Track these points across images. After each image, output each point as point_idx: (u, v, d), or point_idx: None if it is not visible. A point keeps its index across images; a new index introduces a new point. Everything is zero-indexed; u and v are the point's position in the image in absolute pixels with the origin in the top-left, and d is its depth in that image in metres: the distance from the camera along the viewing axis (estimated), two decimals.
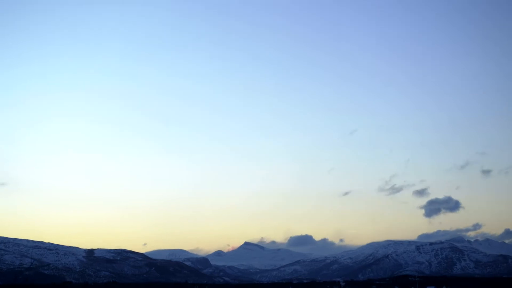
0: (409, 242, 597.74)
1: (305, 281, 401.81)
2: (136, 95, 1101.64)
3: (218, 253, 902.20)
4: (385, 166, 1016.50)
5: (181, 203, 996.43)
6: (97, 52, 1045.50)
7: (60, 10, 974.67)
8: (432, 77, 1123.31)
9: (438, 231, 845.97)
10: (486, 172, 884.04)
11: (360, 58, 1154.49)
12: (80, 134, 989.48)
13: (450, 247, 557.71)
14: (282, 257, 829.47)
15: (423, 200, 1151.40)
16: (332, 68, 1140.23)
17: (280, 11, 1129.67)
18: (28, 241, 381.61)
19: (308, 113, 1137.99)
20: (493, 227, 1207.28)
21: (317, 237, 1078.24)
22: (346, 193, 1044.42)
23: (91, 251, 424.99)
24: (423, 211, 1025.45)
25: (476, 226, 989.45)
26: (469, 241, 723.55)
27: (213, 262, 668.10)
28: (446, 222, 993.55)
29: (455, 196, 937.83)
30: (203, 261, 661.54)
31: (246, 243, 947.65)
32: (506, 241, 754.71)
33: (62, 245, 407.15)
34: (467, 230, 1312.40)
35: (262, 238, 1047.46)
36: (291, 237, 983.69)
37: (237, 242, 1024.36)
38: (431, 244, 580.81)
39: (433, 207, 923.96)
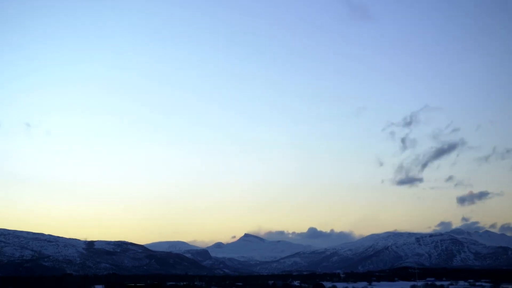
0: (409, 234, 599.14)
1: (305, 273, 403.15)
2: (137, 89, 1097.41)
3: (218, 245, 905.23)
4: None
5: (181, 195, 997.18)
6: (95, 45, 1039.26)
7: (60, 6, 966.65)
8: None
9: None
10: None
11: (360, 53, 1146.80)
12: (80, 127, 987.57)
13: (450, 239, 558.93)
14: (282, 249, 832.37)
15: None
16: (332, 60, 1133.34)
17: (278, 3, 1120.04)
18: (28, 233, 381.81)
19: (308, 105, 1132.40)
20: None
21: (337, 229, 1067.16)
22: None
23: (91, 243, 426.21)
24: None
25: None
26: (468, 233, 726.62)
27: (213, 254, 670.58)
28: None
29: None
30: (203, 253, 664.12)
31: (246, 235, 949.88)
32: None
33: (62, 237, 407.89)
34: None
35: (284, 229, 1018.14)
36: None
37: (237, 234, 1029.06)
38: (431, 236, 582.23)
39: None
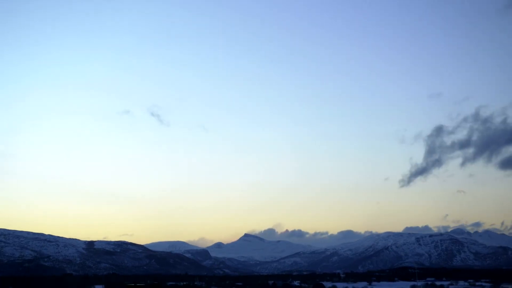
0: (409, 234, 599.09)
1: (305, 273, 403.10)
2: (137, 89, 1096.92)
3: (218, 245, 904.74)
4: None
5: (181, 195, 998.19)
6: (95, 45, 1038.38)
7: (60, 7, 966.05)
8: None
9: None
10: None
11: (358, 52, 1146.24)
12: (79, 127, 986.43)
13: (450, 239, 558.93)
14: (282, 249, 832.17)
15: None
16: (332, 61, 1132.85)
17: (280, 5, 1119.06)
18: (28, 233, 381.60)
19: (308, 105, 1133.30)
20: None
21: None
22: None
23: (91, 243, 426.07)
24: None
25: None
26: (469, 233, 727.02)
27: (213, 254, 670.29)
28: None
29: None
30: (203, 253, 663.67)
31: (246, 235, 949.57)
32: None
33: (62, 237, 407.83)
34: None
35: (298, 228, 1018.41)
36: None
37: (237, 234, 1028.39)
38: (430, 236, 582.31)
39: None
